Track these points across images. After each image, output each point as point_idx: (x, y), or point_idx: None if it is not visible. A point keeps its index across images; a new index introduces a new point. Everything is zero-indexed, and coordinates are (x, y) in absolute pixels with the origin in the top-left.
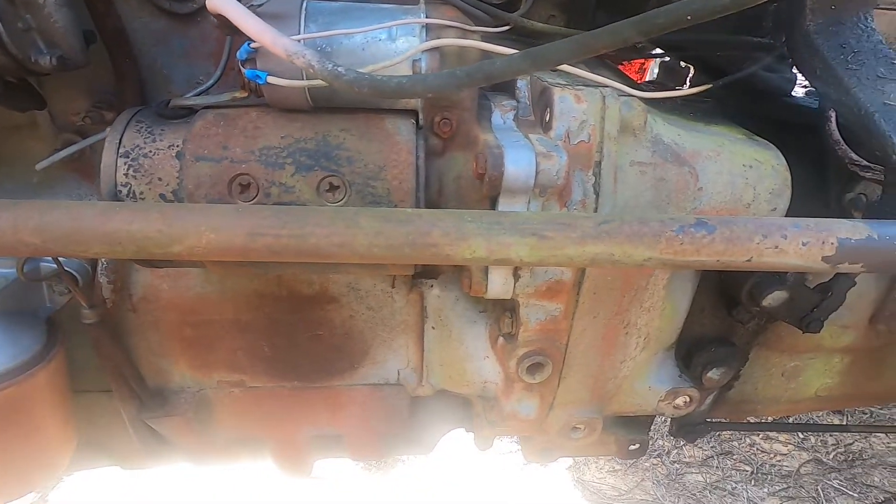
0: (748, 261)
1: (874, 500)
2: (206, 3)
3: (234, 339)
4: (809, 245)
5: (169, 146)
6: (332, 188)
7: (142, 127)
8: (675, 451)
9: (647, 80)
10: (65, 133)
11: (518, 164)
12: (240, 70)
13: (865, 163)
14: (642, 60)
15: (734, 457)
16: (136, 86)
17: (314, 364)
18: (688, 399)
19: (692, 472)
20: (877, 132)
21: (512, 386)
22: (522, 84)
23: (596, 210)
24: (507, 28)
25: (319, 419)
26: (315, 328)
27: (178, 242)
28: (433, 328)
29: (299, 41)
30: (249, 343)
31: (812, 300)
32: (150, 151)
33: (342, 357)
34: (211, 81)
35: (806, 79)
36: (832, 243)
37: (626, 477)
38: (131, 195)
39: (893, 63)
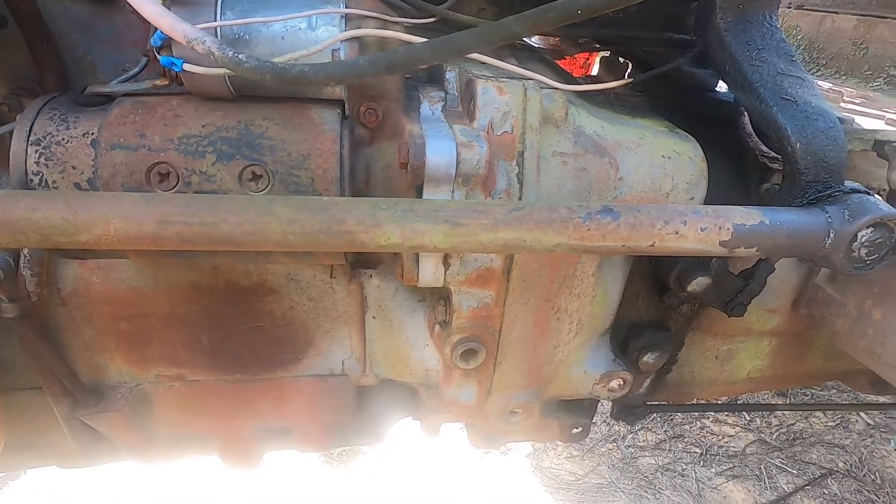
0: (651, 245)
1: (811, 476)
2: None
3: (172, 332)
4: (708, 230)
5: (84, 134)
6: (255, 177)
7: (55, 114)
8: (631, 436)
9: (590, 74)
10: None
11: (439, 153)
12: (155, 57)
13: (774, 154)
14: (586, 55)
15: (685, 440)
16: (57, 72)
17: (257, 356)
18: (622, 382)
19: (645, 456)
20: (775, 124)
21: (451, 373)
22: (451, 75)
23: (520, 198)
24: (432, 20)
25: (265, 412)
26: (255, 320)
27: (86, 231)
28: (374, 318)
29: (207, 28)
30: (188, 336)
31: (735, 286)
32: (64, 139)
33: (285, 349)
34: (136, 69)
35: (717, 74)
36: (728, 229)
37: (582, 462)
38: (43, 184)
39: (793, 60)
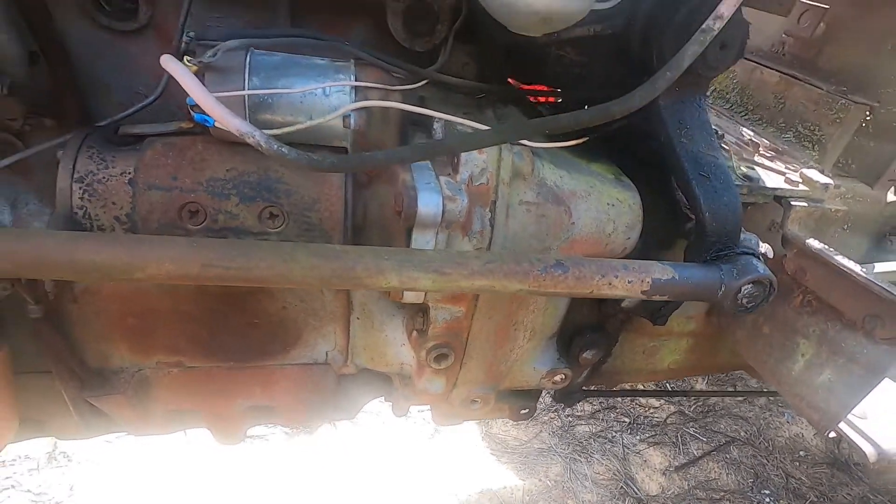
0: (590, 292)
1: (718, 443)
2: (162, 63)
3: (175, 326)
4: (633, 283)
5: (121, 173)
6: (273, 217)
7: (93, 153)
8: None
9: None
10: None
11: (428, 205)
12: (189, 110)
13: None
14: None
15: (617, 410)
16: (76, 97)
17: (250, 347)
18: (563, 376)
19: (581, 424)
20: (691, 194)
21: (423, 369)
22: (438, 126)
23: (491, 238)
24: (424, 83)
25: (253, 393)
26: (251, 317)
27: (141, 270)
28: (358, 318)
29: (234, 96)
30: (189, 330)
31: (659, 301)
32: (104, 178)
33: (276, 341)
34: (150, 99)
35: (656, 142)
36: (648, 281)
37: (527, 430)
38: (87, 217)
39: (712, 141)
